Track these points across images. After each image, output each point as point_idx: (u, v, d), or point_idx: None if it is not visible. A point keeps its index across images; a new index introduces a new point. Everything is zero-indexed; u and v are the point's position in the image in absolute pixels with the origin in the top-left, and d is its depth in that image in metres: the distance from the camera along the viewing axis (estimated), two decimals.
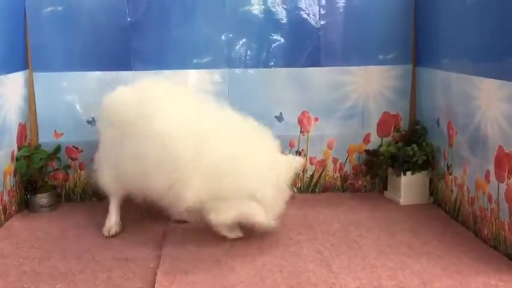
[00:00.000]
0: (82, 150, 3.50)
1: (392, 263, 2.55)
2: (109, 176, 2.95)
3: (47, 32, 3.39)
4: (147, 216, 3.22)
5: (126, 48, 3.45)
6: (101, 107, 3.02)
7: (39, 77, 3.42)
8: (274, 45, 3.53)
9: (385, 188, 3.63)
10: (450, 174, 3.19)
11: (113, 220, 2.99)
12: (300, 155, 3.63)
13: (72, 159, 3.52)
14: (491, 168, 2.68)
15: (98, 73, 3.45)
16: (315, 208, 3.36)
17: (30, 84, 3.43)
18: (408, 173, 3.38)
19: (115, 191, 2.99)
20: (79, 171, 3.53)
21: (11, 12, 3.24)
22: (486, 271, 2.45)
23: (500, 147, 2.59)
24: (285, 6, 3.50)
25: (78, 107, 3.48)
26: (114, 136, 2.87)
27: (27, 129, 3.44)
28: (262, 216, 2.68)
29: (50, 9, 3.38)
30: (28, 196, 3.36)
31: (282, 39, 3.53)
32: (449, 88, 3.13)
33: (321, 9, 3.51)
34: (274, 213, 2.73)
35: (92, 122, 3.48)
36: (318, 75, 3.56)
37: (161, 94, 2.87)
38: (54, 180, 3.51)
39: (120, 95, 2.94)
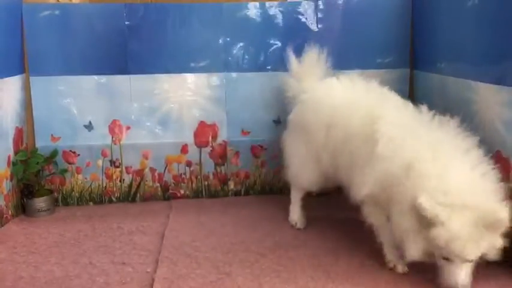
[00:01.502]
0: (79, 155, 3.49)
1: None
2: (307, 171, 2.97)
3: (43, 36, 3.37)
4: (144, 219, 3.21)
5: (123, 52, 3.44)
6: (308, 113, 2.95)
7: (36, 81, 3.41)
8: (271, 49, 3.53)
9: None
10: None
11: (298, 213, 3.10)
12: None
13: (69, 163, 3.51)
14: None
15: (95, 77, 3.44)
16: (312, 212, 3.35)
17: (26, 89, 3.42)
18: None
19: (306, 185, 3.06)
20: (76, 175, 3.52)
21: (8, 16, 3.23)
22: (485, 273, 2.44)
23: (498, 152, 2.59)
24: (282, 10, 3.50)
25: (75, 111, 3.47)
26: (320, 135, 2.83)
27: (24, 134, 3.43)
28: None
29: (46, 13, 3.37)
30: (25, 200, 3.35)
31: (280, 43, 3.53)
32: (447, 92, 3.13)
33: (319, 13, 3.51)
34: None
35: (88, 126, 3.47)
36: None
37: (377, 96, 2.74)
38: (51, 184, 3.50)
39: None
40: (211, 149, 3.60)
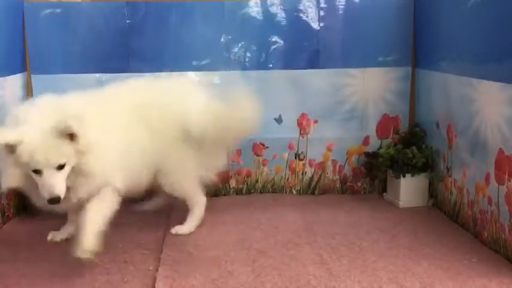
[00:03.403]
0: None
1: (393, 266, 2.55)
2: None
3: (45, 35, 3.37)
4: (147, 218, 3.21)
5: (125, 50, 3.44)
6: None
7: (38, 79, 3.41)
8: (273, 47, 3.53)
9: (384, 190, 3.62)
10: (450, 176, 3.19)
11: None
12: (299, 157, 3.64)
13: None
14: (491, 171, 2.68)
15: (97, 75, 3.44)
16: (314, 210, 3.36)
17: (28, 87, 3.42)
18: (408, 175, 3.37)
19: None
20: None
21: (9, 15, 3.23)
22: (487, 274, 2.44)
23: (500, 149, 2.59)
24: (284, 8, 3.50)
25: None
26: None
27: None
28: None
29: (48, 11, 3.37)
30: (26, 200, 3.34)
31: (281, 41, 3.52)
32: (449, 90, 3.12)
33: (320, 11, 3.51)
34: None
35: None
36: (317, 78, 3.55)
37: None
38: None
39: None
40: None
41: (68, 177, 2.39)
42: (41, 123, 2.34)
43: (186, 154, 2.93)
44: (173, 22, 3.45)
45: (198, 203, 3.08)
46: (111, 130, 2.62)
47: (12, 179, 2.40)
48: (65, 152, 2.35)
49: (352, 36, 3.54)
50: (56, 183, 2.33)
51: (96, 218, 2.56)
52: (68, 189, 2.41)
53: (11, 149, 2.31)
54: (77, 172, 2.42)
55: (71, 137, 2.35)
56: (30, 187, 2.44)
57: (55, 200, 2.33)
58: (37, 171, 2.33)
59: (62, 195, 2.35)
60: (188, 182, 3.02)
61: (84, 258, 2.47)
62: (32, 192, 2.49)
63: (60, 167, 2.35)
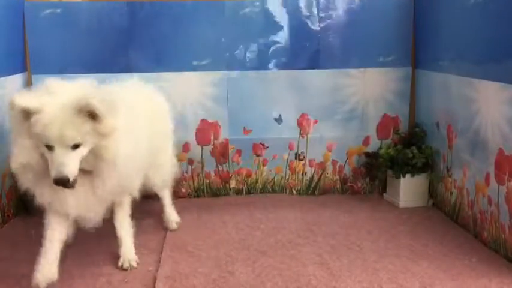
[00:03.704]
0: None
1: (393, 266, 2.55)
2: None
3: (45, 35, 3.38)
4: (147, 218, 3.21)
5: (125, 50, 3.45)
6: None
7: (38, 79, 3.39)
8: (273, 47, 3.53)
9: (384, 190, 3.63)
10: (450, 176, 3.19)
11: None
12: (299, 157, 3.64)
13: None
14: (492, 171, 2.68)
15: (97, 75, 3.42)
16: (314, 210, 3.36)
17: (29, 87, 3.42)
18: (408, 175, 3.38)
19: None
20: None
21: (10, 15, 3.23)
22: (487, 274, 2.45)
23: (500, 149, 2.59)
24: (284, 9, 3.50)
25: None
26: None
27: None
28: None
29: (48, 11, 3.37)
30: (26, 199, 3.34)
31: (282, 42, 3.53)
32: (449, 90, 3.13)
33: (320, 12, 3.51)
34: None
35: None
36: (318, 78, 3.56)
37: None
38: None
39: None
40: (212, 147, 3.60)
41: (87, 161, 2.21)
42: (68, 99, 2.16)
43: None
44: (174, 22, 3.46)
45: (167, 193, 3.16)
46: (137, 127, 2.48)
47: (22, 153, 2.20)
48: (82, 131, 2.15)
49: (352, 36, 3.54)
50: (67, 163, 2.14)
51: (128, 230, 2.66)
52: (92, 179, 2.27)
53: (27, 115, 2.14)
54: (97, 156, 2.22)
55: (93, 116, 2.15)
56: (38, 168, 2.23)
57: (63, 181, 2.13)
58: (49, 147, 2.15)
59: (72, 177, 2.14)
60: (170, 176, 3.08)
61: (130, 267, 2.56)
62: (40, 179, 2.28)
63: (75, 146, 2.16)
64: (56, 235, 2.44)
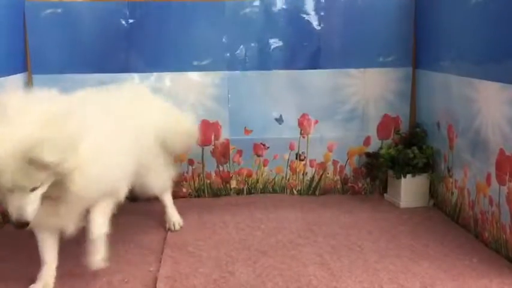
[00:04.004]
0: None
1: (394, 266, 2.55)
2: None
3: (46, 34, 3.37)
4: (147, 219, 3.21)
5: (126, 50, 3.45)
6: None
7: (39, 79, 3.40)
8: (274, 47, 3.53)
9: (385, 190, 3.62)
10: (451, 177, 3.19)
11: None
12: (300, 157, 3.64)
13: None
14: (492, 171, 2.68)
15: (98, 75, 3.44)
16: (315, 211, 3.36)
17: (29, 87, 3.42)
18: (408, 175, 3.38)
19: None
20: None
21: (10, 14, 3.23)
22: (488, 274, 2.44)
23: (501, 150, 2.59)
24: (285, 9, 3.50)
25: None
26: None
27: None
28: None
29: (49, 11, 3.37)
30: None
31: (282, 42, 3.52)
32: (450, 91, 3.13)
33: (321, 12, 3.51)
34: None
35: None
36: (318, 78, 3.56)
37: None
38: None
39: None
40: (213, 147, 3.60)
41: (52, 190, 2.10)
42: (20, 140, 1.96)
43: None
44: (174, 22, 3.45)
45: (168, 195, 3.15)
46: (111, 134, 2.39)
47: None
48: (37, 179, 2.03)
49: (352, 36, 3.54)
50: (26, 207, 2.04)
51: (102, 228, 2.42)
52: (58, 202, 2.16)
53: None
54: (62, 186, 2.10)
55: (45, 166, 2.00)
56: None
57: (23, 225, 2.06)
58: (8, 189, 2.04)
59: (30, 219, 2.06)
60: (166, 179, 3.05)
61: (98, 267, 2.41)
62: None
63: (33, 189, 2.05)
64: (48, 244, 2.45)
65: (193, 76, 3.51)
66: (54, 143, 1.98)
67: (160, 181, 2.98)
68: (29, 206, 2.06)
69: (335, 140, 3.64)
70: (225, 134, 3.58)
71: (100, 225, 2.41)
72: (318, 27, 3.52)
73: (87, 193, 2.19)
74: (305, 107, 3.59)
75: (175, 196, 3.49)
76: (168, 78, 3.49)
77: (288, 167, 3.66)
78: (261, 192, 3.68)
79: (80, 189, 2.13)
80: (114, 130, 2.43)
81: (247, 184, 3.67)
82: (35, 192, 2.06)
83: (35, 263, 2.62)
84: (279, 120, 3.60)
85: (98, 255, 2.38)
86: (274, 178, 3.68)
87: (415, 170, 3.37)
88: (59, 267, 2.56)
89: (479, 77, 2.78)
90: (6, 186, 2.01)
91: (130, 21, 3.42)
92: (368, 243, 2.84)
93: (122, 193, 2.55)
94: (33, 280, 2.41)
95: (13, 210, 2.06)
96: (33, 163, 1.96)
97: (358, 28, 3.54)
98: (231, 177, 3.65)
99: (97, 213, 2.40)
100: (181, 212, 3.18)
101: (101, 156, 2.22)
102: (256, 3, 3.48)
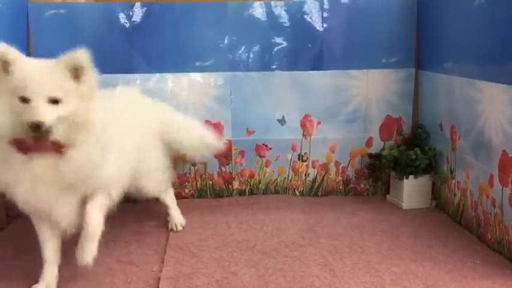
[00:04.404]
0: None
1: (396, 267, 2.55)
2: None
3: (49, 35, 3.37)
4: (150, 219, 3.22)
5: (128, 51, 3.45)
6: None
7: None
8: (276, 48, 3.53)
9: (387, 191, 3.62)
10: (453, 178, 3.19)
11: None
12: (302, 158, 3.64)
13: None
14: (495, 173, 2.68)
15: (101, 76, 3.43)
16: (317, 212, 3.36)
17: None
18: (411, 176, 3.37)
19: None
20: None
21: (13, 15, 3.24)
22: (490, 275, 2.44)
23: (504, 151, 2.59)
24: (287, 10, 3.50)
25: None
26: None
27: None
28: None
29: (52, 12, 3.38)
30: None
31: (285, 43, 3.52)
32: (452, 92, 3.12)
33: (324, 13, 3.51)
34: None
35: None
36: (321, 79, 3.56)
37: None
38: None
39: None
40: None
41: (63, 130, 2.07)
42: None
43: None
44: (176, 23, 3.46)
45: (169, 196, 3.15)
46: (120, 132, 2.40)
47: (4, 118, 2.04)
48: (64, 86, 2.05)
49: (355, 37, 3.54)
50: (44, 111, 2.00)
51: (96, 225, 2.33)
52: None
53: (4, 68, 2.04)
54: (71, 124, 2.09)
55: (76, 75, 2.08)
56: (11, 135, 2.07)
57: (39, 124, 1.98)
58: (25, 100, 2.01)
59: (47, 124, 2.00)
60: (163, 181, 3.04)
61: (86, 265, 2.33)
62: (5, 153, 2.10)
63: (54, 101, 2.04)
64: (50, 243, 2.42)
65: (196, 77, 3.51)
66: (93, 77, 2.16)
67: (153, 183, 2.94)
68: (48, 112, 2.01)
69: (337, 141, 3.64)
70: (227, 135, 3.58)
71: (94, 222, 2.31)
72: (321, 28, 3.52)
73: (90, 134, 2.14)
74: (307, 108, 3.59)
75: (178, 197, 3.50)
76: (170, 79, 3.49)
77: (290, 168, 3.67)
78: (263, 193, 3.68)
79: (85, 121, 2.11)
80: (121, 129, 2.45)
81: (250, 185, 3.67)
82: (54, 106, 2.03)
83: (39, 263, 2.63)
84: (282, 121, 3.60)
85: (89, 252, 2.28)
86: (277, 179, 3.68)
87: (417, 171, 3.37)
88: (62, 268, 2.57)
89: (482, 78, 2.78)
90: (31, 88, 2.00)
91: (133, 22, 3.43)
92: (370, 244, 2.84)
93: (114, 193, 2.49)
94: (36, 280, 2.41)
95: (30, 113, 2.00)
96: (67, 67, 2.06)
97: (360, 29, 3.54)
98: (234, 178, 3.65)
99: (92, 209, 2.32)
100: (183, 212, 3.19)
101: (105, 149, 2.21)
102: (259, 4, 3.48)
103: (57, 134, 2.08)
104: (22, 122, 2.02)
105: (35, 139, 2.08)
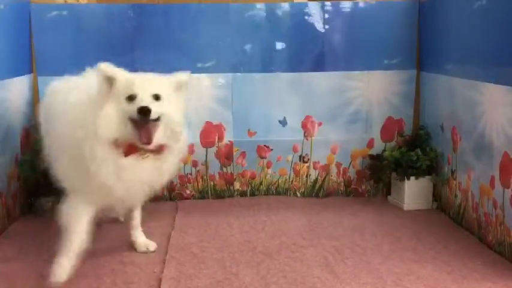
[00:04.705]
0: None
1: (397, 268, 2.55)
2: None
3: (51, 37, 3.39)
4: (151, 220, 3.22)
5: (130, 52, 3.46)
6: None
7: (44, 81, 3.41)
8: (278, 49, 3.54)
9: (388, 193, 3.62)
10: (454, 179, 3.19)
11: None
12: (303, 159, 3.64)
13: None
14: (496, 174, 2.68)
15: None
16: (318, 213, 3.36)
17: (34, 89, 3.44)
18: (412, 178, 3.38)
19: None
20: None
21: (16, 17, 3.25)
22: (491, 277, 2.45)
23: (505, 153, 2.59)
24: (289, 11, 3.51)
25: None
26: None
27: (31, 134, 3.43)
28: None
29: (54, 13, 3.39)
30: (32, 200, 3.36)
31: (286, 44, 3.53)
32: (454, 93, 3.13)
33: (325, 14, 3.52)
34: None
35: None
36: (322, 80, 3.56)
37: None
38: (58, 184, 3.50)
39: None
40: (217, 149, 3.60)
41: (164, 131, 2.37)
42: None
43: None
44: (178, 24, 3.47)
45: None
46: None
47: (108, 123, 2.31)
48: (165, 90, 2.39)
49: (356, 39, 3.55)
50: (150, 102, 2.29)
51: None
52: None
53: (110, 81, 2.37)
54: (168, 128, 2.39)
55: (177, 88, 2.45)
56: (120, 136, 2.33)
57: (146, 109, 2.26)
58: (131, 98, 2.31)
59: (153, 111, 2.28)
60: None
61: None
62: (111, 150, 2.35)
63: (157, 97, 2.34)
64: (81, 225, 2.49)
65: (198, 78, 3.51)
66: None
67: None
68: (152, 103, 2.30)
69: (339, 142, 3.64)
70: (228, 136, 3.58)
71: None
72: (322, 30, 3.53)
73: (168, 179, 2.59)
74: (309, 109, 3.60)
75: (179, 198, 3.52)
76: None
77: (292, 169, 3.67)
78: (264, 194, 3.68)
79: (168, 171, 2.50)
80: None
81: (251, 186, 3.68)
82: (157, 102, 2.33)
83: (40, 263, 2.64)
84: (283, 122, 3.60)
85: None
86: (278, 180, 3.68)
87: (418, 173, 3.37)
88: None
89: (483, 79, 2.78)
90: (136, 86, 2.33)
91: (135, 23, 3.43)
92: (371, 245, 2.84)
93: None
94: (40, 280, 2.42)
95: (137, 103, 2.28)
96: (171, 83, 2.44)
97: (362, 31, 3.55)
98: (235, 179, 3.66)
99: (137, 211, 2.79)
100: (185, 213, 3.19)
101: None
102: (261, 5, 3.49)
103: (159, 136, 2.36)
104: (129, 119, 2.31)
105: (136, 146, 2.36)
